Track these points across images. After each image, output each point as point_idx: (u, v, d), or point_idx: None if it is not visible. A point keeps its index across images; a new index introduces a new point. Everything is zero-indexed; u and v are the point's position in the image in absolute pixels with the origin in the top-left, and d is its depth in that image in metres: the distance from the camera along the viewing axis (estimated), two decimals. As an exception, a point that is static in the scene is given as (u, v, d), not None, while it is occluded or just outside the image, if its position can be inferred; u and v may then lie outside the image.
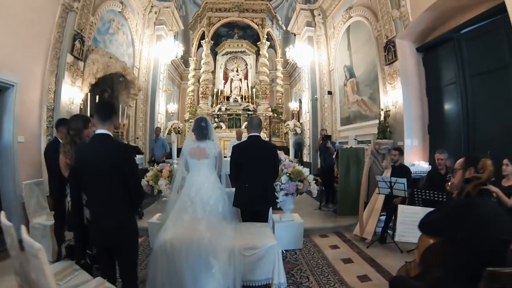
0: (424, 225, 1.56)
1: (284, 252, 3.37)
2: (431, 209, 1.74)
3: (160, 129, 7.38)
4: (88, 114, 5.61)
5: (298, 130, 9.09)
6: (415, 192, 3.27)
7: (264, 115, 10.33)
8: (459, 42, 4.60)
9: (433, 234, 1.56)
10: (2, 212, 1.83)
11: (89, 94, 5.55)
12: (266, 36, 10.85)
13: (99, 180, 1.75)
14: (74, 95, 5.04)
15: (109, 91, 6.77)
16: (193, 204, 2.41)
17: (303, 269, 3.02)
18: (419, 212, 2.39)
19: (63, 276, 1.84)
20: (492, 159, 2.93)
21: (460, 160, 1.60)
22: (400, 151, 4.28)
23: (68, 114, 4.84)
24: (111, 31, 6.73)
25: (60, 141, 3.01)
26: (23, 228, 1.44)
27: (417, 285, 1.57)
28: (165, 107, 9.90)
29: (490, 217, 1.37)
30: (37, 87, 4.42)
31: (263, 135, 9.10)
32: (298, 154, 9.99)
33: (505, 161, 2.98)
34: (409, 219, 2.64)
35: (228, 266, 2.08)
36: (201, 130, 2.67)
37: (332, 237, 4.10)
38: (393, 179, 3.62)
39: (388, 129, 5.45)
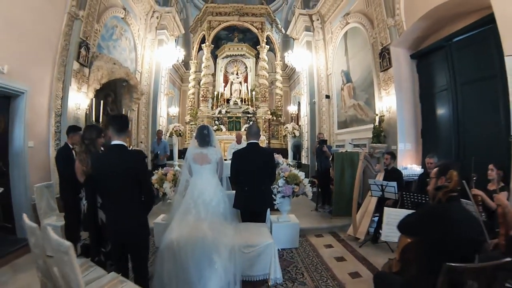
0: (402, 226, 1.75)
1: (281, 250, 3.54)
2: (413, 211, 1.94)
3: (162, 131, 7.57)
4: (93, 118, 5.81)
5: (297, 133, 9.25)
6: (404, 195, 3.45)
7: (263, 117, 10.51)
8: (450, 50, 4.77)
9: (409, 234, 1.76)
10: (24, 215, 2.03)
11: (93, 99, 5.74)
12: (266, 40, 11.01)
13: (116, 186, 1.95)
14: (80, 100, 5.24)
15: (113, 95, 6.96)
16: (196, 206, 2.61)
17: (298, 266, 3.21)
18: (403, 214, 2.57)
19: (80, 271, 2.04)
20: (479, 164, 3.15)
21: (435, 170, 1.80)
22: (393, 155, 4.47)
23: (75, 119, 5.04)
24: (115, 37, 6.92)
25: (71, 146, 3.23)
26: (49, 229, 1.64)
27: (397, 280, 1.77)
28: (166, 110, 10.10)
29: (458, 221, 1.56)
30: (46, 93, 4.60)
31: (263, 138, 9.28)
32: (297, 157, 10.18)
33: (490, 166, 3.13)
34: (394, 221, 2.82)
35: (229, 262, 2.27)
36: (204, 137, 2.87)
37: (327, 236, 4.28)
38: (384, 182, 3.82)
39: (382, 133, 5.64)
